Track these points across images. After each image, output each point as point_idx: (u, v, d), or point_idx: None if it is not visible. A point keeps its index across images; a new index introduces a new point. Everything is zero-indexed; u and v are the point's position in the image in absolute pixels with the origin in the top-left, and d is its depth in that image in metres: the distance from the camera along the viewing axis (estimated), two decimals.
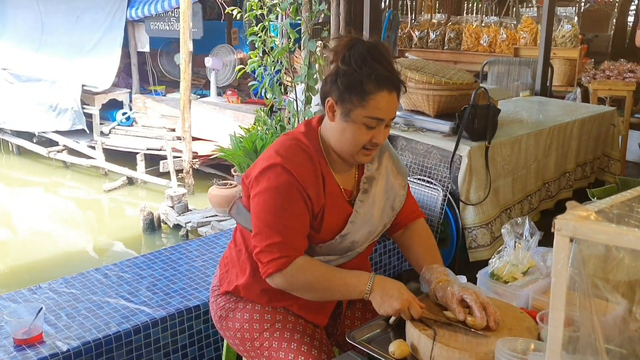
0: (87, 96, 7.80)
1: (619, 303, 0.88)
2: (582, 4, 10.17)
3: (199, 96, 8.00)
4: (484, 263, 1.84)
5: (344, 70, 1.53)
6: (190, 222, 5.18)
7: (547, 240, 1.92)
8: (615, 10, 10.05)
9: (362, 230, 1.67)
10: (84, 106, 7.75)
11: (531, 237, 1.74)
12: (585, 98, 5.51)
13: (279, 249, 1.54)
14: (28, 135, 8.07)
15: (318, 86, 4.39)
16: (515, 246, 1.74)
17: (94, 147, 7.44)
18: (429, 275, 1.61)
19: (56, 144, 7.78)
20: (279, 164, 1.55)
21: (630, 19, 9.92)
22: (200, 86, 8.52)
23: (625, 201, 0.83)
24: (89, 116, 7.76)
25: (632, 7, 9.94)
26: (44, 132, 7.95)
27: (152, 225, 5.50)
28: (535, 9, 7.76)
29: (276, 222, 1.55)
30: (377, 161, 1.72)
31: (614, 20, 9.85)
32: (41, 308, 1.99)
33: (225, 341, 1.93)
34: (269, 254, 1.54)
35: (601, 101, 5.38)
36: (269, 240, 1.54)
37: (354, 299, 1.81)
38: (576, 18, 6.30)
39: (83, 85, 7.76)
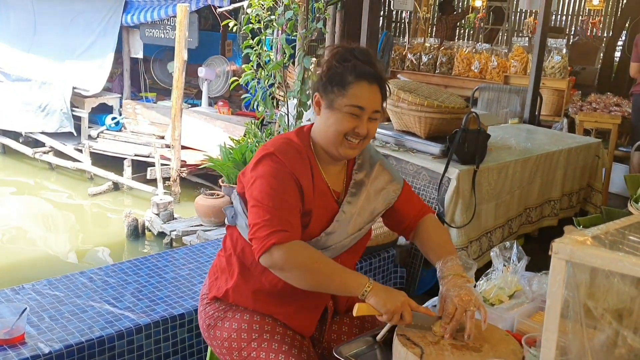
0: (77, 99, 7.75)
1: (608, 327, 0.90)
2: (572, 36, 10.36)
3: (190, 105, 7.99)
4: None
5: (328, 67, 1.66)
6: (175, 230, 5.15)
7: (533, 265, 1.96)
8: (603, 44, 10.26)
9: (346, 229, 1.72)
10: (74, 109, 7.70)
11: (518, 262, 1.77)
12: (572, 129, 5.60)
13: (280, 222, 1.52)
14: (14, 135, 7.99)
15: (310, 102, 4.42)
16: (503, 270, 1.77)
17: (81, 151, 7.37)
18: (441, 272, 1.64)
19: (42, 145, 7.71)
20: (272, 153, 1.63)
21: (617, 53, 10.13)
22: (192, 95, 8.52)
23: (618, 229, 0.86)
24: (77, 119, 7.71)
25: (620, 43, 10.16)
26: (31, 133, 7.88)
27: (136, 232, 5.46)
28: (527, 38, 7.89)
29: (274, 202, 1.55)
30: (367, 168, 1.78)
31: (601, 55, 10.05)
32: (25, 309, 1.97)
33: (209, 351, 1.93)
34: (268, 228, 1.52)
35: (587, 132, 5.48)
36: (268, 215, 1.53)
37: (340, 311, 1.84)
38: (565, 50, 6.40)
39: (74, 88, 7.72)
